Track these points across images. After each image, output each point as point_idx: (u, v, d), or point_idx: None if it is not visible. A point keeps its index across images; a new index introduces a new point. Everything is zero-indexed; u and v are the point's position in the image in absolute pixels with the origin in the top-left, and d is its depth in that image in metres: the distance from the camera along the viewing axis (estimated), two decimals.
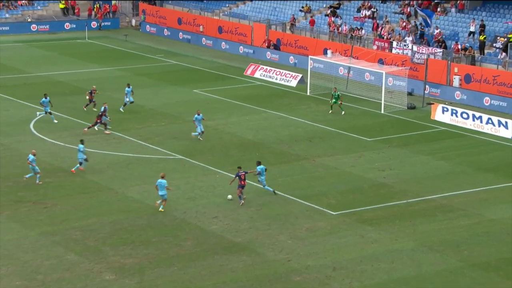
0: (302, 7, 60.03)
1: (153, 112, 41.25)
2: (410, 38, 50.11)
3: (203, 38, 61.27)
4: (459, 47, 47.99)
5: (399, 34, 51.43)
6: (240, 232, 25.92)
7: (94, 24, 65.52)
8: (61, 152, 33.76)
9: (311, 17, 57.55)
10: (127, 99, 40.32)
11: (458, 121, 39.92)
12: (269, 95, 46.26)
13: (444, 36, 49.73)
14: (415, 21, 51.62)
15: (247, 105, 43.34)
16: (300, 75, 48.69)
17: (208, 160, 32.43)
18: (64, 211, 27.19)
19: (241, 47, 58.59)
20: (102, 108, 36.54)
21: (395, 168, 32.90)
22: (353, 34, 53.44)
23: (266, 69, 50.87)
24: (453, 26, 51.21)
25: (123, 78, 49.17)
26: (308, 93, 46.01)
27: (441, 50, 48.02)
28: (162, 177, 27.36)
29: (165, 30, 64.32)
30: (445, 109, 40.72)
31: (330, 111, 41.00)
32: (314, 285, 22.30)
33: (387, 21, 52.83)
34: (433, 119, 40.94)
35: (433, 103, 41.88)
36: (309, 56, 48.32)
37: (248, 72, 51.42)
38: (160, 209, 27.49)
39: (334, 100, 40.82)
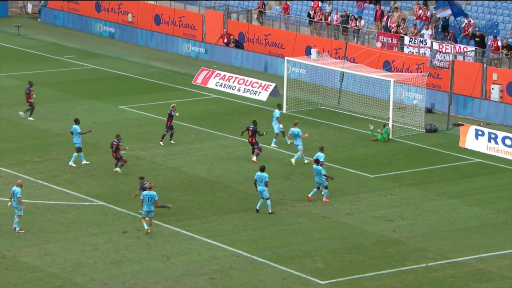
0: None
1: (60, 138, 41.23)
2: (429, 32, 50.83)
3: (134, 32, 61.54)
4: (499, 44, 48.78)
5: (414, 25, 52.27)
6: None
7: None
8: None
9: (285, 2, 58.09)
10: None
11: (499, 150, 40.61)
12: (229, 113, 46.60)
13: (478, 29, 50.49)
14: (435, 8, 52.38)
15: (197, 127, 43.59)
16: (273, 85, 49.18)
17: (140, 207, 32.46)
18: None
19: (188, 44, 58.99)
20: None
21: (409, 217, 33.23)
22: (348, 26, 54.19)
23: (225, 76, 51.26)
24: (490, 14, 52.11)
25: (14, 89, 48.97)
26: (284, 110, 46.40)
27: (474, 48, 48.81)
28: (150, 188, 31.14)
29: (77, 19, 64.45)
30: (479, 132, 41.43)
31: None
32: None
33: (396, 8, 53.65)
34: (463, 146, 41.60)
35: (463, 124, 42.52)
36: (286, 58, 48.90)
37: (199, 80, 51.74)
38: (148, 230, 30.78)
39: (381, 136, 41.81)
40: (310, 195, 34.30)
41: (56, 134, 41.85)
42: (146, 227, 30.98)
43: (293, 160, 38.31)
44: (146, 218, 31.06)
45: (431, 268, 28.95)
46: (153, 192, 30.98)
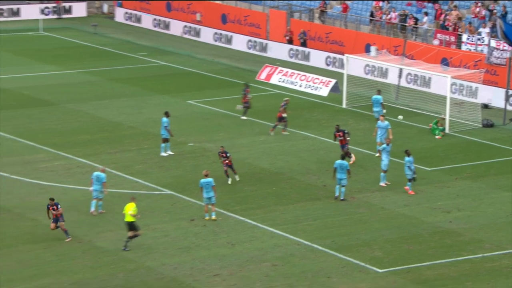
0: None
1: (133, 131, 41.58)
2: (487, 30, 50.26)
3: (201, 30, 61.82)
4: None
5: (469, 23, 51.60)
6: None
7: (49, 10, 66.31)
8: (5, 185, 34.08)
9: (343, 2, 57.75)
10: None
11: None
12: (291, 107, 46.48)
13: None
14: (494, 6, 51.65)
15: (261, 121, 43.61)
16: (334, 81, 48.97)
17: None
18: (8, 268, 27.33)
19: (253, 42, 59.05)
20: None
21: (466, 209, 32.86)
22: (407, 25, 53.72)
23: (287, 72, 51.21)
24: None
25: (92, 84, 49.72)
26: (344, 105, 46.22)
27: None
28: (206, 176, 30.67)
29: (150, 18, 64.96)
30: None
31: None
32: None
33: (455, 6, 53.03)
34: None
35: None
36: (346, 55, 48.63)
37: (262, 76, 51.77)
38: (213, 217, 30.47)
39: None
40: (407, 187, 34.12)
41: (129, 127, 42.26)
42: (207, 217, 31.04)
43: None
44: (209, 206, 31.11)
45: (488, 258, 28.57)
46: (210, 179, 31.00)
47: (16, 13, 65.78)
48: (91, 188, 31.68)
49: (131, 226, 28.79)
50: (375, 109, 42.08)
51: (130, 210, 28.77)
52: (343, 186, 33.24)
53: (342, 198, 33.22)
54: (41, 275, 26.91)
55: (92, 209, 31.72)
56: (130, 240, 28.73)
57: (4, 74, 50.94)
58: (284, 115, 41.28)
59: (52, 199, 29.62)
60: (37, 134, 40.33)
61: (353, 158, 36.84)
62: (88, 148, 38.68)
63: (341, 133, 36.75)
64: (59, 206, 29.36)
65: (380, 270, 27.68)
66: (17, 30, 62.75)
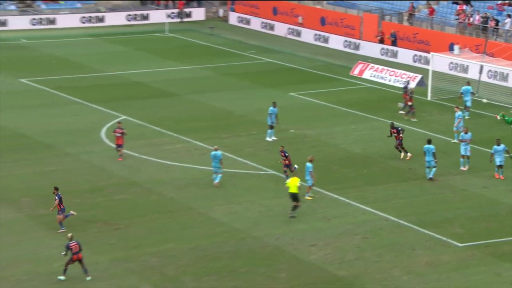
0: None
1: (242, 119, 41.87)
2: None
3: (303, 31, 61.65)
4: None
5: None
6: (345, 264, 25.85)
7: (174, 14, 67.31)
8: (136, 164, 34.78)
9: (430, 6, 56.65)
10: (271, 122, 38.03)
11: None
12: (381, 99, 45.96)
13: None
14: None
15: (354, 111, 43.23)
16: (420, 76, 48.12)
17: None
18: (138, 234, 27.92)
19: (348, 41, 58.55)
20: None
21: None
22: (488, 26, 52.20)
23: (378, 68, 50.63)
24: None
25: (209, 78, 50.28)
26: (429, 98, 45.39)
27: None
28: (311, 161, 30.49)
29: (258, 21, 65.18)
30: None
31: None
32: None
33: None
34: None
35: None
36: (431, 53, 47.69)
37: (356, 72, 51.31)
38: (307, 197, 30.42)
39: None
40: (497, 174, 33.28)
41: (240, 116, 42.53)
42: (307, 196, 30.84)
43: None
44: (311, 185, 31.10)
45: None
46: (310, 164, 30.75)
47: (146, 17, 67.12)
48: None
49: (295, 197, 29.06)
50: (465, 98, 41.37)
51: (295, 183, 28.99)
52: (433, 167, 32.71)
53: (430, 176, 32.71)
54: (165, 241, 27.41)
55: (214, 182, 32.08)
56: (296, 208, 29.05)
57: (138, 69, 52.02)
58: (410, 103, 40.88)
59: (56, 188, 27.95)
60: (163, 121, 41.06)
61: (409, 154, 35.27)
62: (204, 133, 39.16)
63: (395, 130, 35.52)
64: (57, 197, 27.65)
65: (460, 245, 27.16)
66: (147, 32, 63.98)
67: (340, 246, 27.06)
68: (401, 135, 35.55)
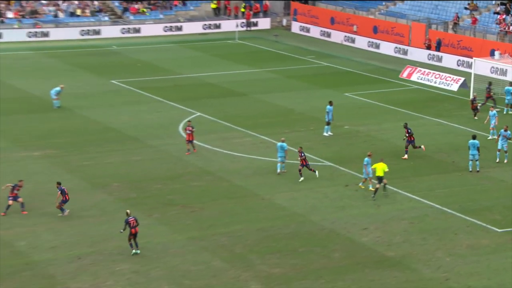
0: (468, 4, 58.11)
1: (302, 116, 41.75)
2: None
3: (357, 39, 61.08)
4: None
5: None
6: (393, 246, 25.59)
7: (243, 24, 67.51)
8: (209, 155, 35.07)
9: (473, 16, 55.40)
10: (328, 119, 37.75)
11: None
12: (427, 100, 45.23)
13: None
14: None
15: (402, 110, 42.66)
16: (463, 79, 47.16)
17: (358, 168, 32.29)
18: (211, 216, 28.16)
19: (397, 48, 57.75)
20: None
21: None
22: None
23: (424, 71, 49.80)
24: None
25: (273, 80, 50.28)
26: (471, 98, 44.37)
27: None
28: (369, 156, 30.18)
29: (317, 30, 64.85)
30: None
31: None
32: None
33: None
34: None
35: None
36: (474, 58, 46.67)
37: (404, 75, 50.58)
38: (369, 187, 29.97)
39: None
40: None
41: (299, 113, 42.41)
42: (371, 187, 30.37)
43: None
44: (373, 181, 30.33)
45: None
46: (367, 159, 30.43)
47: (218, 26, 67.45)
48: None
49: (380, 179, 29.28)
50: (507, 97, 40.56)
51: (382, 167, 29.25)
52: (476, 160, 32.10)
53: (477, 170, 32.16)
54: (234, 223, 27.57)
55: (278, 170, 32.09)
56: (385, 189, 29.34)
57: (211, 72, 52.38)
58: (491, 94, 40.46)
59: (58, 183, 27.63)
60: (232, 117, 41.22)
61: (422, 147, 34.23)
62: (268, 128, 39.18)
63: (407, 131, 34.25)
64: (59, 190, 27.33)
65: (499, 230, 26.60)
66: (219, 39, 64.32)
67: (389, 230, 26.80)
68: (412, 135, 34.20)
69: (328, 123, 37.77)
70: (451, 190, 30.66)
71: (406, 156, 34.37)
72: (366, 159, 30.59)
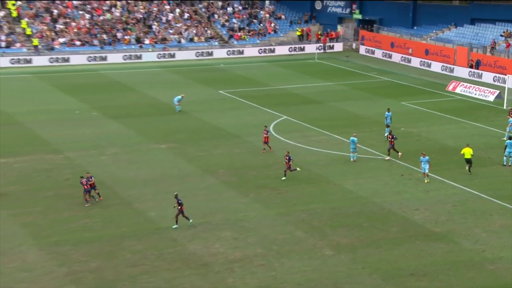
0: (504, 31, 55.61)
1: (367, 120, 41.09)
2: None
3: (412, 59, 59.53)
4: None
5: None
6: (439, 223, 24.97)
7: (321, 47, 67.10)
8: (292, 149, 34.99)
9: (507, 41, 52.94)
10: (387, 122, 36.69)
11: None
12: (468, 108, 43.63)
13: None
14: None
15: (447, 116, 41.31)
16: (498, 91, 45.17)
17: (411, 162, 31.56)
18: (294, 197, 28.18)
19: (445, 66, 55.87)
20: None
21: None
22: None
23: (466, 85, 48.06)
24: None
25: (344, 91, 49.78)
26: (504, 107, 42.51)
27: None
28: (423, 155, 28.97)
29: (380, 52, 63.64)
30: None
31: None
32: (507, 275, 20.74)
33: None
34: None
35: None
36: (508, 75, 44.64)
37: (450, 88, 48.95)
38: (426, 180, 28.62)
39: None
40: None
41: (365, 117, 41.65)
42: (426, 181, 29.43)
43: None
44: (426, 172, 29.39)
45: None
46: (427, 157, 29.42)
47: (302, 49, 67.26)
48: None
49: (468, 161, 29.19)
50: None
51: (469, 151, 29.04)
52: (510, 157, 30.94)
53: (510, 164, 30.92)
54: (312, 202, 27.29)
55: (351, 159, 31.81)
56: (470, 170, 29.10)
57: (295, 84, 52.20)
58: None
59: (81, 177, 26.46)
60: (311, 120, 41.01)
61: (399, 154, 32.12)
62: (339, 129, 38.75)
63: (390, 136, 32.48)
64: (92, 178, 26.22)
65: None
66: (302, 59, 64.08)
67: (436, 211, 26.14)
68: (393, 140, 32.15)
69: (387, 126, 37.04)
70: (487, 180, 29.55)
71: (400, 154, 32.36)
72: (421, 158, 29.78)
